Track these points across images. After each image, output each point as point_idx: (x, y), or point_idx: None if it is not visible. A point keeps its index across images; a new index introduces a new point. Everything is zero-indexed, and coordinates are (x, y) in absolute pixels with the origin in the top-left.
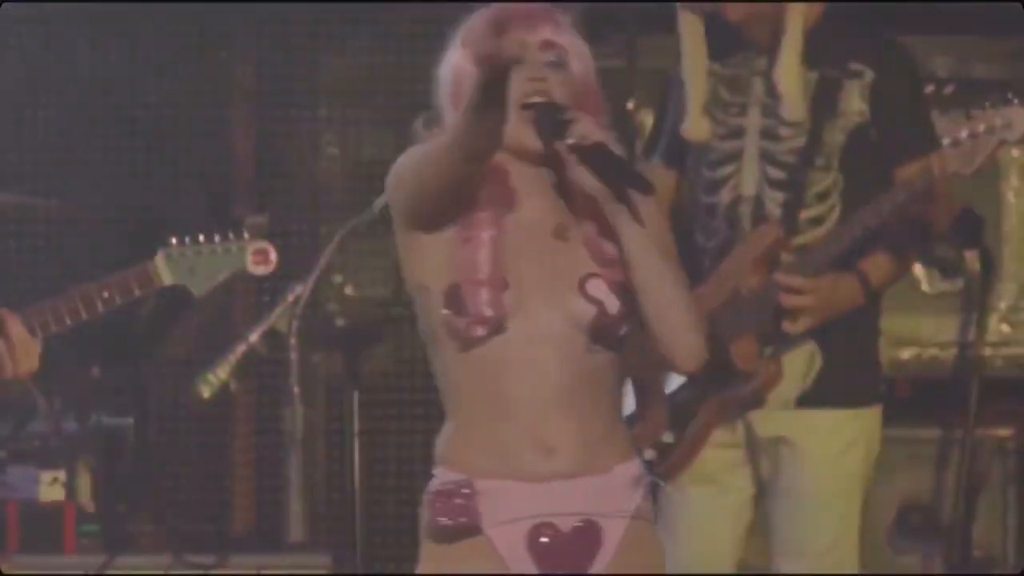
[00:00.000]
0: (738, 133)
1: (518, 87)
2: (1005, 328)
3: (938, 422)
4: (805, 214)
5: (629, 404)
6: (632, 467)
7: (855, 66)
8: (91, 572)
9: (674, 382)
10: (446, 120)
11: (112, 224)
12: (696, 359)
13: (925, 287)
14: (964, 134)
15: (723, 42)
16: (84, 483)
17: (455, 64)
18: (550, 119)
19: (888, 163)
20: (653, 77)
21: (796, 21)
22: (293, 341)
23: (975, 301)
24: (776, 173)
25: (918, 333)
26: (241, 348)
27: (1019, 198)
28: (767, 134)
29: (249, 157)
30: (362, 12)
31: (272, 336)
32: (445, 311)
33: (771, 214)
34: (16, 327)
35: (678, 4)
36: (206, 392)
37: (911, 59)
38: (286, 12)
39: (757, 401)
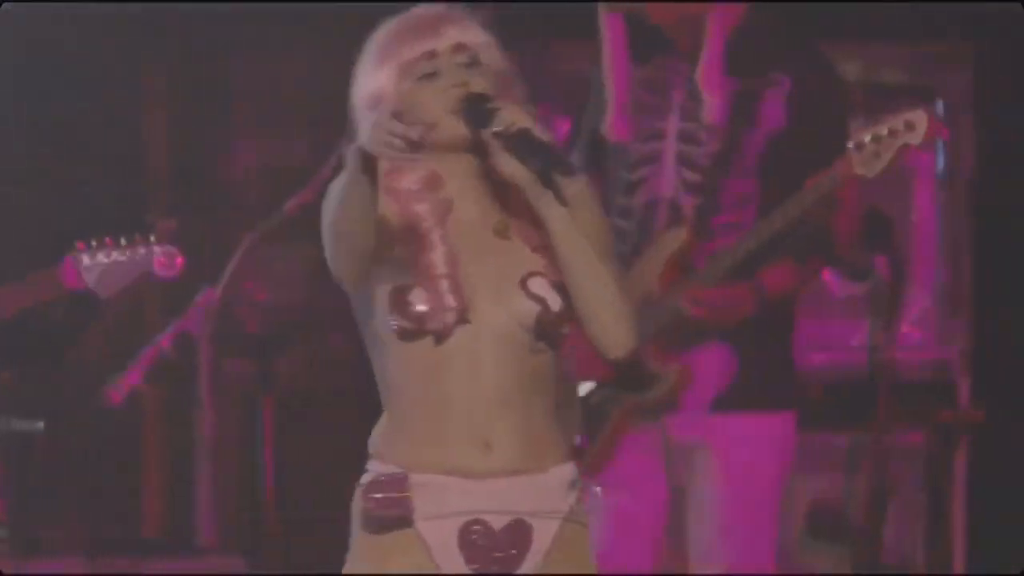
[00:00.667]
0: (657, 136)
1: (442, 96)
2: (915, 332)
3: (848, 426)
4: (722, 219)
5: None
6: (568, 469)
7: (774, 74)
8: None
9: (586, 385)
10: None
11: (23, 228)
12: (623, 346)
13: (835, 291)
14: (867, 138)
15: (645, 44)
16: None
17: (373, 81)
18: (475, 108)
19: (805, 170)
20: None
21: (718, 25)
22: (204, 345)
23: (885, 305)
24: (693, 177)
25: (828, 337)
26: (152, 352)
27: (928, 203)
28: (686, 138)
29: (161, 162)
30: (274, 17)
31: (183, 340)
32: (393, 316)
33: (686, 218)
34: None
35: (599, 5)
36: (117, 396)
37: (830, 67)
38: (198, 17)
39: (668, 404)
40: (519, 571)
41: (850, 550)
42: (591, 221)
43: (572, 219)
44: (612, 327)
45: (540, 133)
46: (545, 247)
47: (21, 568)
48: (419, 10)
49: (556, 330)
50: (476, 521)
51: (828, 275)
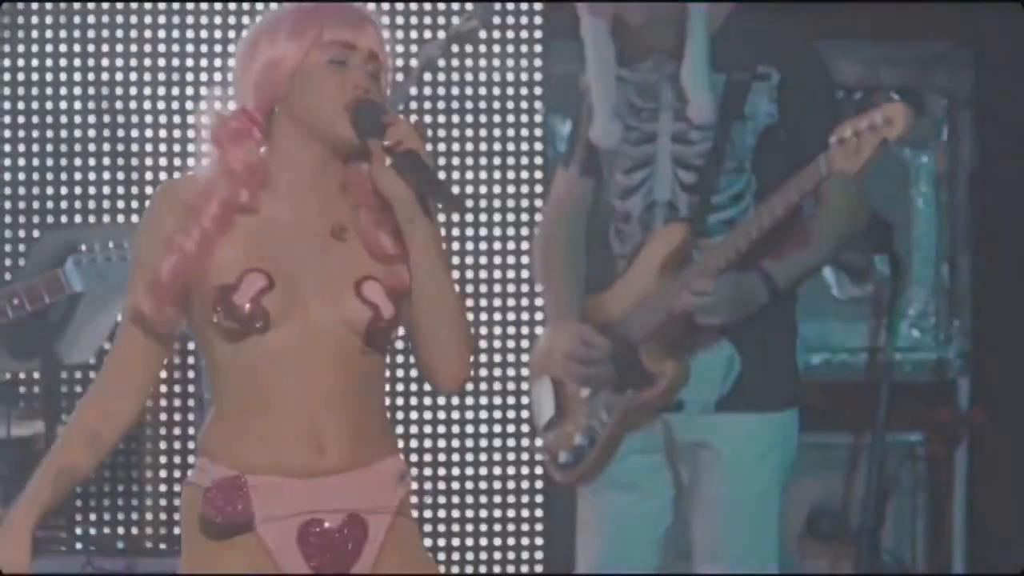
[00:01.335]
0: (650, 138)
1: (342, 89)
2: (915, 333)
3: (848, 427)
4: (718, 216)
5: (548, 408)
6: (395, 462)
7: (762, 68)
8: None
9: (588, 386)
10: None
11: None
12: (457, 378)
13: (835, 292)
14: (848, 132)
15: (630, 47)
16: None
17: (279, 48)
18: (371, 117)
19: (798, 164)
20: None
21: (699, 24)
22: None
23: (885, 306)
24: (688, 177)
25: (828, 338)
26: None
27: (928, 204)
28: (678, 138)
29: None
30: None
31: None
32: (216, 312)
33: (682, 216)
34: None
35: (580, 8)
36: None
37: (818, 60)
38: None
39: (667, 404)
40: (358, 568)
41: (850, 550)
42: (441, 248)
43: (436, 245)
44: (454, 355)
45: (426, 157)
46: (388, 257)
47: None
48: (346, 3)
49: (386, 336)
50: (313, 520)
51: (829, 276)
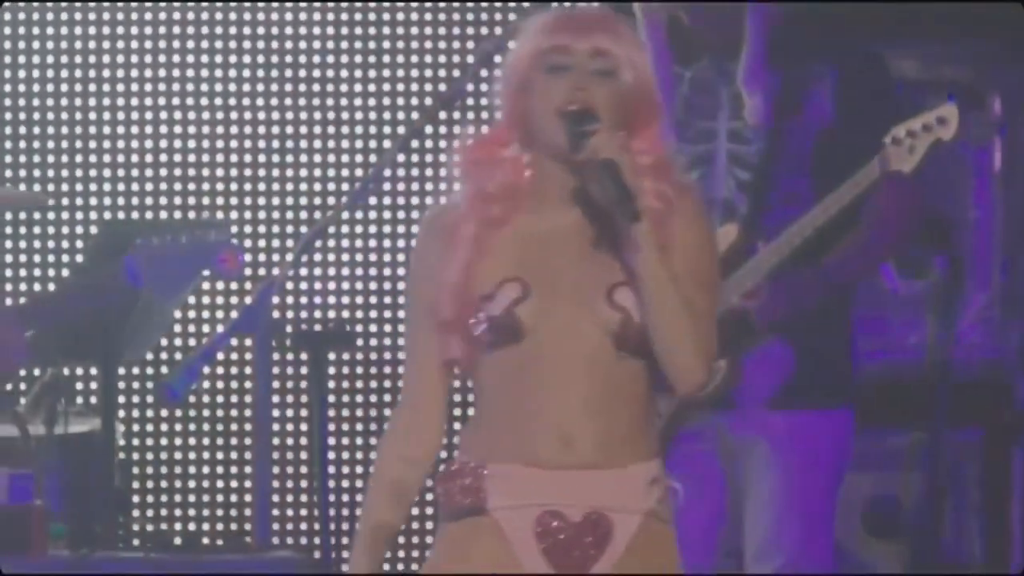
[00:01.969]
0: (707, 136)
1: (560, 93)
2: (973, 332)
3: (905, 424)
4: (774, 215)
5: None
6: (650, 467)
7: (819, 67)
8: (60, 572)
9: None
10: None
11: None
12: (691, 383)
13: (893, 289)
14: (903, 132)
15: (688, 45)
16: (52, 484)
17: (513, 56)
18: (574, 128)
19: (856, 165)
20: None
21: (756, 23)
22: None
23: (943, 304)
24: (745, 175)
25: (885, 336)
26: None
27: (986, 202)
28: (735, 137)
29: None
30: None
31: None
32: (472, 322)
33: (741, 217)
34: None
35: (638, 7)
36: (176, 393)
37: (876, 59)
38: None
39: (718, 400)
40: (597, 568)
41: (907, 548)
42: (687, 256)
43: (655, 254)
44: (681, 362)
45: (621, 172)
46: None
47: (80, 564)
48: (583, 6)
49: (638, 341)
50: (552, 512)
51: (887, 273)
